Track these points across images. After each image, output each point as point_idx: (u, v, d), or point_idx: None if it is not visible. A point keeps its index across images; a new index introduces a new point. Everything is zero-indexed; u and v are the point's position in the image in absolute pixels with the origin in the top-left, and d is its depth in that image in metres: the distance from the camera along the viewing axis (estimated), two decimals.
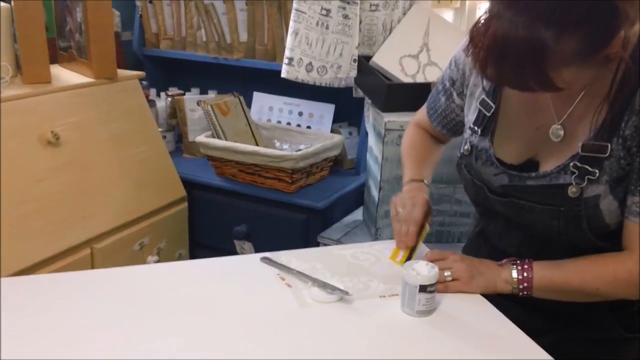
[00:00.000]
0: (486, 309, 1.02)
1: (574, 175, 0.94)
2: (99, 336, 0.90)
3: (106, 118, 1.81)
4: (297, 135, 2.21)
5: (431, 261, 1.04)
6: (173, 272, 1.13)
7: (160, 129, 2.15)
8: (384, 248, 1.23)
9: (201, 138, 2.05)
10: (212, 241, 2.11)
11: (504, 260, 1.05)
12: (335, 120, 2.27)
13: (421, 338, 0.95)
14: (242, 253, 2.02)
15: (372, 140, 1.88)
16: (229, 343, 0.91)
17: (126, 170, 1.83)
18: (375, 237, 1.79)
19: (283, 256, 1.17)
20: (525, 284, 1.01)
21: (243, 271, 1.13)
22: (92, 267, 1.68)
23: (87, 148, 1.74)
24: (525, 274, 1.01)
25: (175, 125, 2.36)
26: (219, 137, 2.07)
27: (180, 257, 2.01)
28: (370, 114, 1.90)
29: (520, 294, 1.02)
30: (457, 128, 1.21)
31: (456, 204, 1.77)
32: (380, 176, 1.73)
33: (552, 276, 1.00)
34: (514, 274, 1.02)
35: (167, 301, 1.01)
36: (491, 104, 1.05)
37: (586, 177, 0.93)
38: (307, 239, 1.94)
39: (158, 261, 1.86)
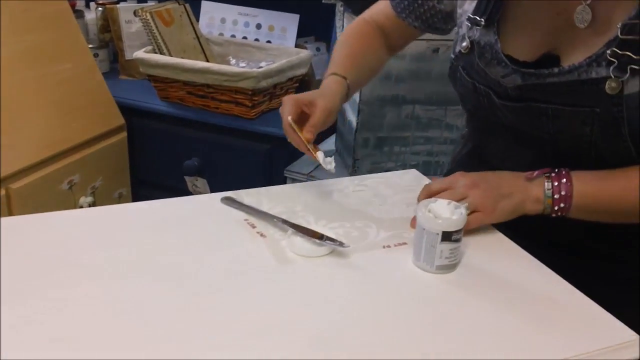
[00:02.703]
0: (520, 254, 0.86)
1: (612, 67, 0.80)
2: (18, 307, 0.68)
3: (17, 28, 1.58)
4: (256, 52, 2.02)
5: (433, 196, 0.88)
6: (110, 219, 0.91)
7: (90, 46, 1.95)
8: (379, 182, 1.05)
9: (140, 54, 1.84)
10: (159, 178, 1.96)
11: (535, 173, 0.88)
12: (300, 34, 2.11)
13: (446, 302, 0.76)
14: (195, 191, 1.88)
15: None
16: (183, 322, 0.68)
17: (46, 92, 1.61)
18: (353, 169, 1.63)
19: (249, 195, 0.98)
20: (562, 204, 0.85)
21: (199, 217, 0.92)
22: (9, 212, 1.48)
23: None
24: (562, 192, 0.85)
25: (108, 42, 2.14)
26: (161, 53, 1.85)
27: (120, 198, 1.84)
28: (344, 23, 1.70)
29: (554, 214, 0.87)
30: (433, 20, 1.06)
31: (447, 129, 1.64)
32: (360, 97, 1.55)
33: (599, 189, 0.86)
34: (548, 189, 0.86)
35: (100, 262, 0.79)
36: None
37: (628, 67, 0.79)
38: (272, 173, 1.80)
39: (93, 203, 1.69)
